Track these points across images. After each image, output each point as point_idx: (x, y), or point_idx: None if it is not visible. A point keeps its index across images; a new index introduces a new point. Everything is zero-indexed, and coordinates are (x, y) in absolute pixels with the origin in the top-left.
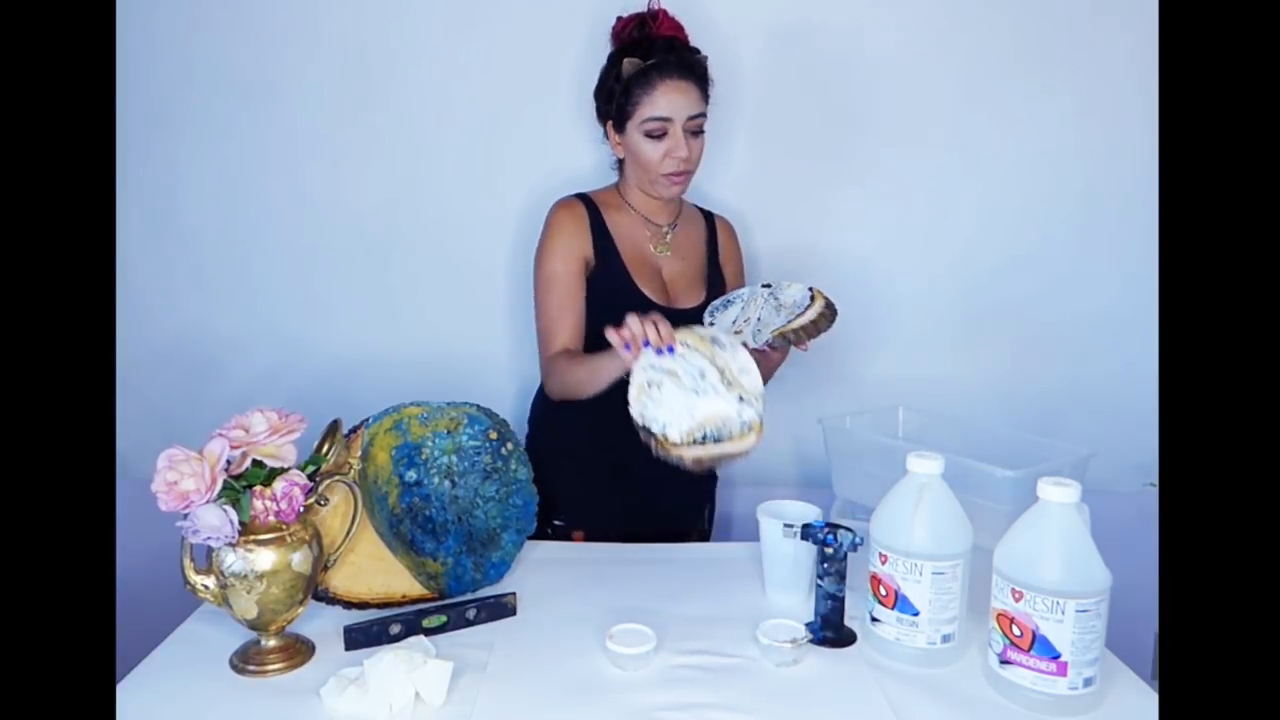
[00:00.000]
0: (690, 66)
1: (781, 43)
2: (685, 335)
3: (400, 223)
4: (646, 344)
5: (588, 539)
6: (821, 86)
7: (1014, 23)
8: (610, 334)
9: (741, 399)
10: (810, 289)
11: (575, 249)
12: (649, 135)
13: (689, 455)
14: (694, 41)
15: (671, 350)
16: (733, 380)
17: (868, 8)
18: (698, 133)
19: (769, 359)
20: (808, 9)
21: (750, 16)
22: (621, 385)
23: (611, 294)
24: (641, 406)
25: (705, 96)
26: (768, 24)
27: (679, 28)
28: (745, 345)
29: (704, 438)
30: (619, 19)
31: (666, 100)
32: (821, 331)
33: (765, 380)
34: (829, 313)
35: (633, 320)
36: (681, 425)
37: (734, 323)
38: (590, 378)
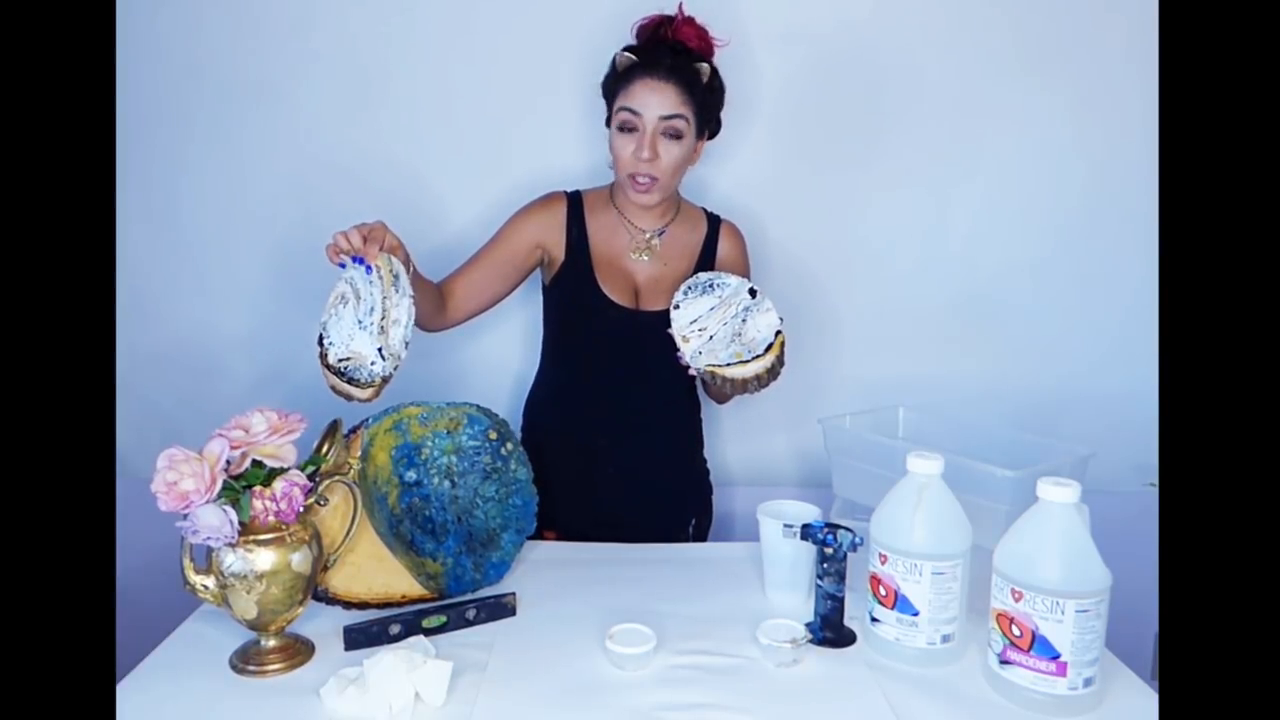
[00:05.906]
0: (677, 69)
1: (782, 43)
2: (383, 261)
3: (400, 222)
4: (359, 261)
5: (558, 539)
6: (821, 87)
7: (1014, 22)
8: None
9: (380, 350)
10: (778, 330)
11: (531, 236)
12: (620, 128)
13: (327, 377)
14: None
15: (370, 270)
16: (386, 328)
17: (868, 8)
18: (673, 138)
19: (711, 387)
20: (809, 10)
21: (751, 18)
22: (605, 387)
23: (574, 293)
24: (327, 314)
25: (691, 102)
26: (768, 25)
27: (698, 36)
28: (682, 362)
29: (343, 370)
30: (645, 18)
31: (639, 95)
32: (750, 392)
33: (724, 401)
34: (767, 374)
35: (350, 233)
36: (337, 349)
37: (696, 320)
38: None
